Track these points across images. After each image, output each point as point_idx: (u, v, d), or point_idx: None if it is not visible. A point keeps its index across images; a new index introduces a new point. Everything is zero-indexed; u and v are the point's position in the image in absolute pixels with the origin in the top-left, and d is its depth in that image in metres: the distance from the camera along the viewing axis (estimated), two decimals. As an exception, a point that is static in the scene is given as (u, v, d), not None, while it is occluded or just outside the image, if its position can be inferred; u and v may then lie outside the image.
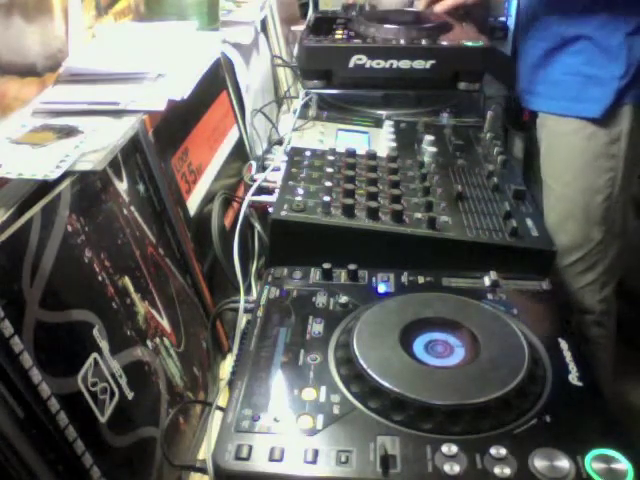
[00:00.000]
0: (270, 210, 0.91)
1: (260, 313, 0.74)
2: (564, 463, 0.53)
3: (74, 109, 0.82)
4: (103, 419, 0.61)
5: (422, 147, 1.11)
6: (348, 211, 0.87)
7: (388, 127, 1.21)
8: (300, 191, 0.93)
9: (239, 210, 1.00)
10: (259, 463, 0.55)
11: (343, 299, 0.74)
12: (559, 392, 0.61)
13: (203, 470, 0.58)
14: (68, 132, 0.75)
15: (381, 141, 1.15)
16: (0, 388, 0.51)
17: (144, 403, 0.70)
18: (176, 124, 0.93)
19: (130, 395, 0.67)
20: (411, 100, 1.31)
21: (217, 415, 0.64)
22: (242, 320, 0.81)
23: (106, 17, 1.06)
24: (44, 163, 0.65)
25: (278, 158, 1.11)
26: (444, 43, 1.27)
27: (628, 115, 1.28)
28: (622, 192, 1.34)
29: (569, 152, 1.34)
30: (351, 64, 1.26)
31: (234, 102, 1.21)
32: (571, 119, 1.31)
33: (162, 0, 1.14)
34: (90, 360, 0.61)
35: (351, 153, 1.05)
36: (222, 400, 0.68)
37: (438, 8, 1.44)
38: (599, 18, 1.24)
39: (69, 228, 0.63)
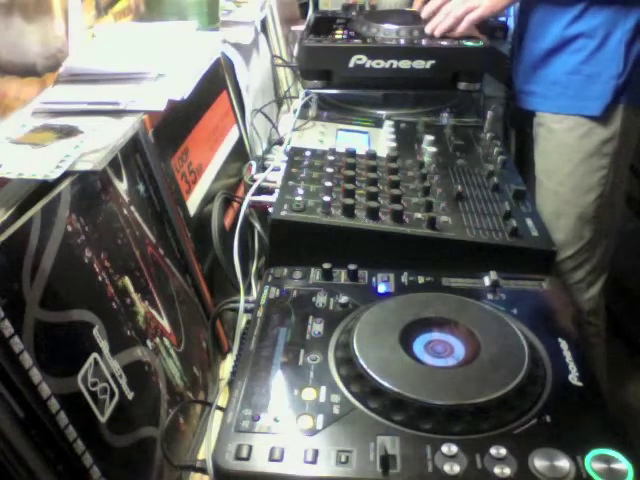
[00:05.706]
0: (270, 210, 0.91)
1: (260, 313, 0.74)
2: (564, 463, 0.53)
3: (74, 109, 0.82)
4: (103, 419, 0.61)
5: (422, 147, 1.11)
6: (348, 211, 0.87)
7: (388, 127, 1.21)
8: (300, 191, 0.93)
9: (239, 210, 1.00)
10: (259, 463, 0.55)
11: (343, 299, 0.74)
12: (559, 392, 0.61)
13: (203, 470, 0.58)
14: (68, 132, 0.75)
15: (381, 141, 1.15)
16: (0, 388, 0.51)
17: (144, 403, 0.70)
18: (176, 124, 0.93)
19: (130, 395, 0.67)
20: (411, 100, 1.31)
21: (217, 415, 0.64)
22: (242, 320, 0.81)
23: (106, 17, 1.06)
24: (44, 163, 0.65)
25: (278, 158, 1.11)
26: (444, 43, 1.27)
27: (621, 115, 1.29)
28: (612, 191, 1.34)
29: (564, 150, 1.34)
30: (351, 64, 1.26)
31: (234, 102, 1.21)
32: (568, 117, 1.32)
33: (162, 0, 1.14)
34: (90, 360, 0.61)
35: (351, 153, 1.05)
36: (222, 400, 0.68)
37: (424, 13, 1.40)
38: (600, 16, 1.24)
39: (69, 228, 0.63)
